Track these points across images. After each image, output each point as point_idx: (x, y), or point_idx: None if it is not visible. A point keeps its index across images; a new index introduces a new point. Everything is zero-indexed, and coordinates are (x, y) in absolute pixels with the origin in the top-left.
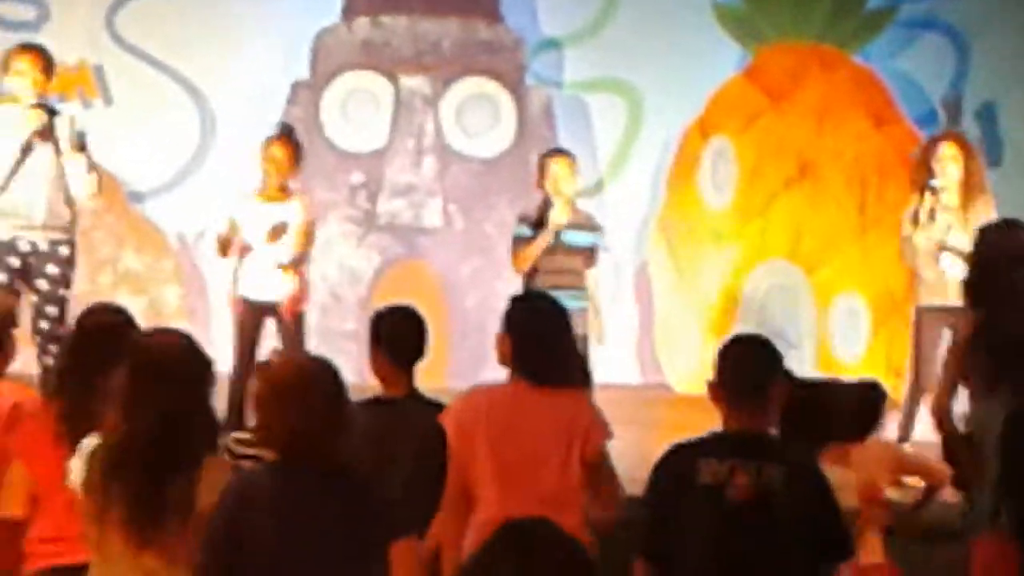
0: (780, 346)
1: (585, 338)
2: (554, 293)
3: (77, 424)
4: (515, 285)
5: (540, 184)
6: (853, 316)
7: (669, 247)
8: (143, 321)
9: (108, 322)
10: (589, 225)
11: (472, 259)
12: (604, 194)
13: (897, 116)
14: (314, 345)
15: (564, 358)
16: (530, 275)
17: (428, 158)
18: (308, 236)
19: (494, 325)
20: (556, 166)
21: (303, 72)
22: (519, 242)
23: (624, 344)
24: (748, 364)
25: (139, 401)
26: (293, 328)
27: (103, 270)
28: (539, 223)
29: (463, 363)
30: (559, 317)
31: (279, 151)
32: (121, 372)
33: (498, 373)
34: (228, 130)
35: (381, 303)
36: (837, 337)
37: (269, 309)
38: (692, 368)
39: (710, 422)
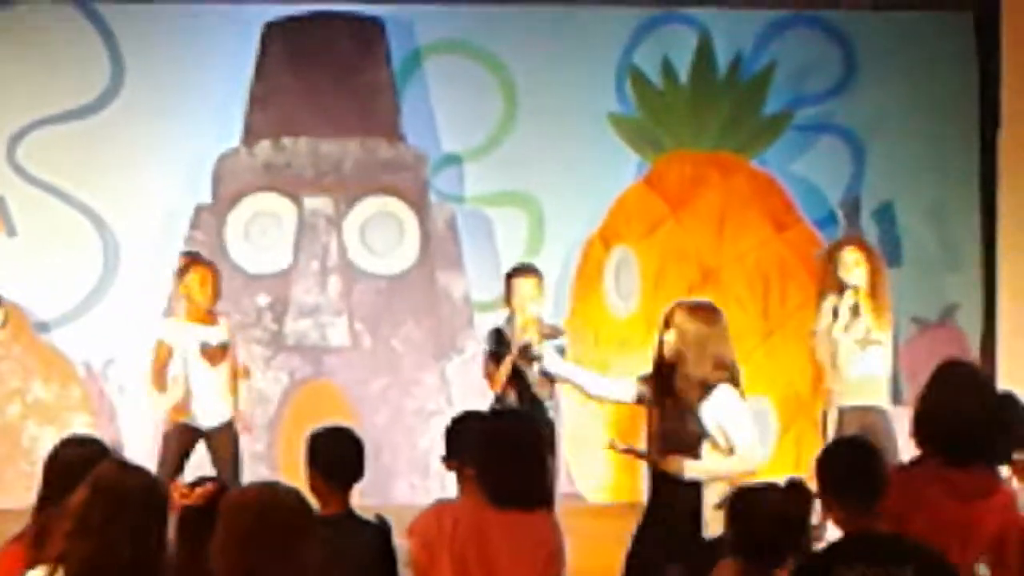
0: None
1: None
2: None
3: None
4: (421, 401)
5: (507, 302)
6: (760, 419)
7: (576, 357)
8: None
9: (79, 455)
10: (554, 334)
11: (380, 377)
12: None
13: (797, 219)
14: None
15: (529, 479)
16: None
17: (333, 277)
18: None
19: (404, 441)
20: (524, 284)
21: (205, 196)
22: (488, 359)
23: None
24: (863, 465)
25: (107, 525)
26: (229, 453)
27: (12, 400)
28: (502, 339)
29: (374, 480)
30: (527, 436)
31: (209, 275)
32: (82, 500)
33: (408, 490)
34: (132, 257)
35: (291, 424)
36: None
37: (204, 434)
38: (603, 477)
39: (623, 530)
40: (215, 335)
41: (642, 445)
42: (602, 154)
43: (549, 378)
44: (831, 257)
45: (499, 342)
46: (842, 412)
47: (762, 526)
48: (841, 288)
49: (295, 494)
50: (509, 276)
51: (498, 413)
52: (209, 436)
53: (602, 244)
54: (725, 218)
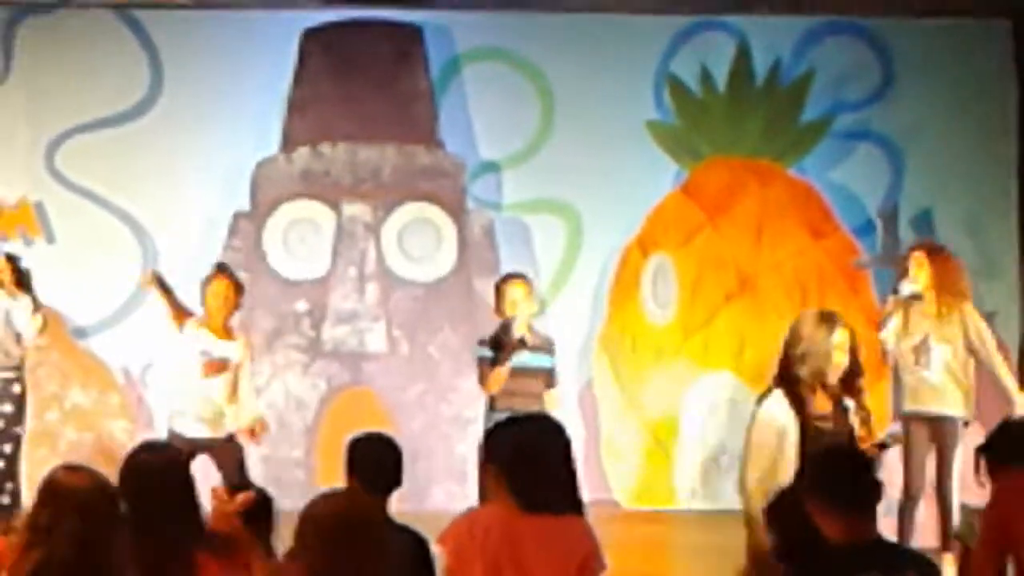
0: (725, 459)
1: None
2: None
3: None
4: (458, 407)
5: (498, 309)
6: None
7: (613, 364)
8: (91, 457)
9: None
10: (547, 347)
11: (417, 383)
12: (546, 314)
13: (834, 227)
14: (262, 473)
15: (559, 483)
16: (491, 398)
17: (371, 284)
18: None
19: (441, 448)
20: (513, 290)
21: (244, 203)
22: (484, 364)
23: None
24: (855, 471)
25: (52, 531)
26: (233, 466)
27: (50, 407)
28: (499, 346)
29: (411, 487)
30: (558, 441)
31: (224, 287)
32: (32, 507)
33: (445, 497)
34: (170, 263)
35: (328, 430)
36: None
37: (203, 446)
38: (639, 483)
39: (658, 536)
40: (219, 348)
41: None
42: (640, 162)
43: (547, 384)
44: (902, 263)
45: (495, 348)
46: (907, 419)
47: (799, 530)
48: (895, 292)
49: (372, 503)
50: (498, 285)
51: (525, 418)
52: (209, 449)
53: (640, 252)
54: (763, 226)
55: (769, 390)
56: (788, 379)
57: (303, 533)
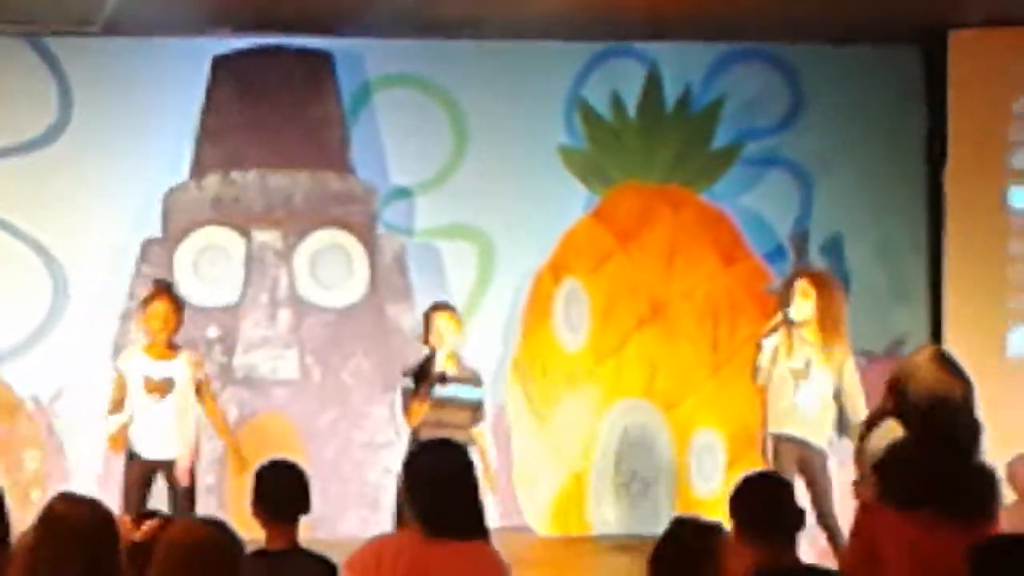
0: (637, 485)
1: None
2: None
3: None
4: (371, 433)
5: (425, 339)
6: (710, 451)
7: (525, 390)
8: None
9: None
10: (474, 380)
11: (330, 409)
12: None
13: (746, 253)
14: (172, 500)
15: (462, 508)
16: (415, 428)
17: (283, 311)
18: (201, 390)
19: (353, 474)
20: (440, 321)
21: (154, 231)
22: (406, 396)
23: (483, 487)
24: (778, 500)
25: (56, 561)
26: (188, 488)
27: None
28: (422, 376)
29: (324, 513)
30: (459, 466)
31: (163, 306)
32: (31, 535)
33: (358, 523)
34: (80, 291)
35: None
36: (695, 473)
37: (160, 466)
38: (552, 509)
39: (571, 562)
40: (161, 369)
41: None
42: (552, 187)
43: (473, 418)
44: (788, 287)
45: (418, 379)
46: (777, 440)
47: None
48: (783, 314)
49: (221, 530)
50: (427, 314)
51: (431, 444)
52: (164, 470)
53: (551, 277)
54: (674, 252)
55: (875, 422)
56: (904, 422)
57: (158, 561)
